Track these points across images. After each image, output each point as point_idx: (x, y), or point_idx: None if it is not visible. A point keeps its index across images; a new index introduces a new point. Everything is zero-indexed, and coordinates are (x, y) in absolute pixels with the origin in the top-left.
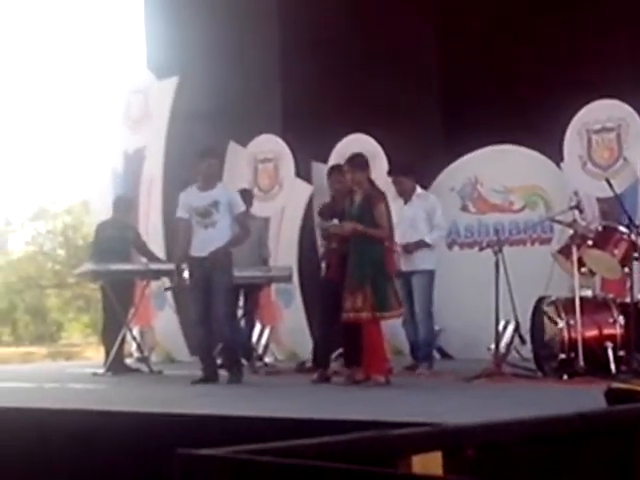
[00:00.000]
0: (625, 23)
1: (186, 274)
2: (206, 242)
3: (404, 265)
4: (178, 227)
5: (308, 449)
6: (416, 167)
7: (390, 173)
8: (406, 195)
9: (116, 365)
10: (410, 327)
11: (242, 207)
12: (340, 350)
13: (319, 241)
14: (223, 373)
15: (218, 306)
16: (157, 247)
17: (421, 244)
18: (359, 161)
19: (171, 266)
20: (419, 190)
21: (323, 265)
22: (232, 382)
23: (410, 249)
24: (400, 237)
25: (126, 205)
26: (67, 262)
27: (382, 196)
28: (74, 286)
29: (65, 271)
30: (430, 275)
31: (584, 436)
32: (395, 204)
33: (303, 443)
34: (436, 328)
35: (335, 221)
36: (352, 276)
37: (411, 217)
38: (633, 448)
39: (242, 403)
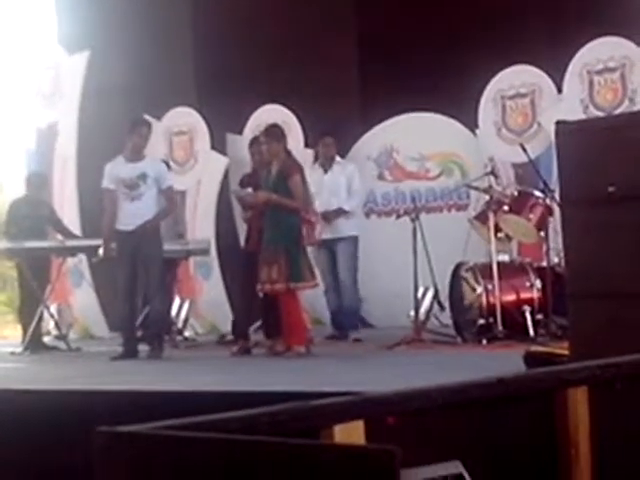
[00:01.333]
0: None
1: (113, 246)
2: (133, 215)
3: (327, 233)
4: (105, 198)
5: (229, 422)
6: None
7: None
8: (328, 162)
9: (34, 343)
10: (332, 296)
11: (169, 181)
12: (260, 322)
13: (237, 213)
14: (143, 348)
15: (152, 276)
16: (73, 223)
17: (339, 212)
18: (275, 132)
19: (87, 242)
20: (338, 158)
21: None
22: (152, 357)
23: (329, 217)
24: (321, 205)
25: (40, 182)
26: None
27: (298, 167)
28: None
29: None
30: (354, 242)
31: (504, 400)
32: (316, 173)
33: (224, 417)
34: None
35: (250, 190)
36: (267, 247)
37: (332, 185)
38: (553, 411)
39: (163, 378)
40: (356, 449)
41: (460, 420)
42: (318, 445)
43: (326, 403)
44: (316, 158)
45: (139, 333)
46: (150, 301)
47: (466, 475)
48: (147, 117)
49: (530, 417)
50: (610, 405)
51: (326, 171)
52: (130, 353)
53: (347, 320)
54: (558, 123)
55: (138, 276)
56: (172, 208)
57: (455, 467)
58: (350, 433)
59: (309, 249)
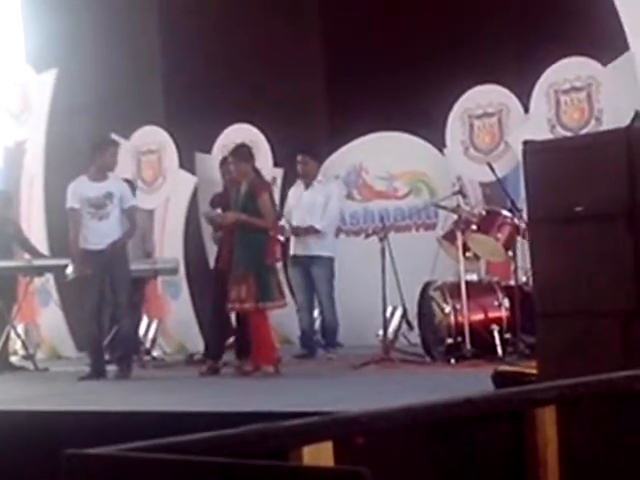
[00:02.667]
0: (504, 7)
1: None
2: (101, 234)
3: (299, 249)
4: (71, 217)
5: (198, 444)
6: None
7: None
8: (308, 179)
9: (1, 363)
10: (305, 314)
11: (132, 200)
12: (231, 341)
13: (205, 232)
14: (111, 368)
15: (121, 296)
16: (40, 242)
17: (310, 230)
18: (242, 152)
19: (55, 261)
20: (320, 177)
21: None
22: (120, 377)
23: (298, 233)
24: (297, 221)
25: (6, 200)
26: None
27: (266, 186)
28: None
29: None
30: (330, 263)
31: (472, 420)
32: (298, 188)
33: (192, 438)
34: None
35: (219, 211)
36: (237, 266)
37: (309, 202)
38: (521, 430)
39: (131, 398)
40: (326, 471)
41: (429, 440)
42: (288, 467)
43: (295, 424)
44: (285, 176)
45: (107, 353)
46: (118, 321)
47: None
48: (114, 136)
49: (499, 437)
50: (578, 424)
51: (307, 186)
52: (98, 373)
53: (325, 339)
54: (525, 143)
55: (106, 296)
56: (134, 228)
57: None
58: (319, 454)
59: (282, 266)
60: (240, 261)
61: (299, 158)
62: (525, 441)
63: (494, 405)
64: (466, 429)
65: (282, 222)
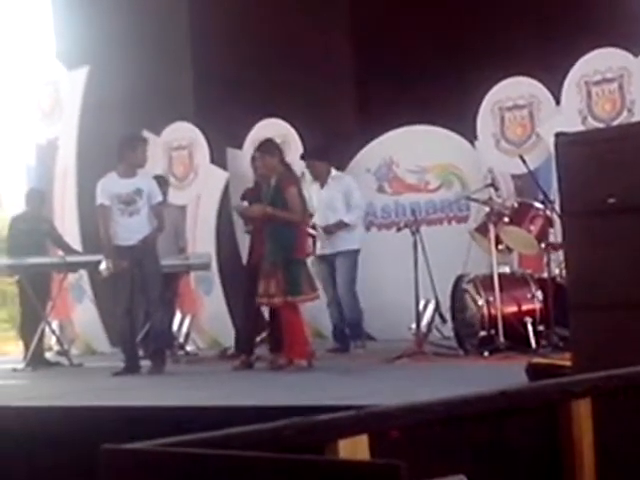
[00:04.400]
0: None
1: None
2: (132, 230)
3: (327, 247)
4: (102, 214)
5: (234, 439)
6: (330, 150)
7: (303, 157)
8: (321, 179)
9: (36, 360)
10: (334, 309)
11: (159, 197)
12: (263, 335)
13: (237, 227)
14: (145, 363)
15: (152, 291)
16: (73, 239)
17: (340, 225)
18: (267, 146)
19: (88, 257)
20: (334, 172)
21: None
22: (154, 372)
23: (330, 230)
24: (320, 220)
25: (39, 198)
26: None
27: (294, 179)
28: None
29: None
30: (354, 255)
31: (507, 413)
32: (313, 188)
33: (229, 433)
34: None
35: (245, 204)
36: (266, 261)
37: (328, 199)
38: (557, 424)
39: (165, 393)
40: (362, 464)
41: (464, 433)
42: (324, 461)
43: (330, 418)
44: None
45: (141, 348)
46: (151, 316)
47: None
48: (145, 132)
49: (534, 429)
50: (613, 416)
51: (322, 185)
52: (132, 368)
53: (350, 332)
54: (558, 135)
55: (137, 291)
56: (163, 224)
57: None
58: (355, 448)
59: (310, 262)
60: (269, 255)
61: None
62: (560, 433)
63: (529, 398)
64: (501, 422)
65: (314, 218)
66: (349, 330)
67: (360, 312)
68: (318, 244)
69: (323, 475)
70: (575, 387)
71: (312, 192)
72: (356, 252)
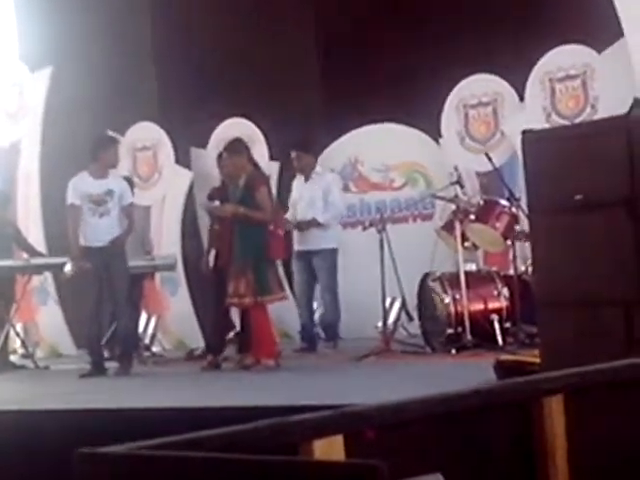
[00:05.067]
0: None
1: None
2: (102, 232)
3: (302, 244)
4: (72, 214)
5: (208, 440)
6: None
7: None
8: (306, 172)
9: (1, 362)
10: (305, 309)
11: (131, 198)
12: (231, 335)
13: (203, 228)
14: (111, 364)
15: (120, 292)
16: (37, 241)
17: (313, 223)
18: (235, 146)
19: (53, 260)
20: (318, 168)
21: (212, 252)
22: (120, 374)
23: (302, 227)
24: (298, 214)
25: (4, 200)
26: None
27: (264, 179)
28: None
29: None
30: (333, 255)
31: (481, 411)
32: (299, 181)
33: (203, 435)
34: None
35: (217, 203)
36: (236, 261)
37: (309, 195)
38: (530, 420)
39: (132, 395)
40: (341, 465)
41: (438, 432)
42: (303, 462)
43: (305, 418)
44: (281, 170)
45: (106, 350)
46: (118, 318)
47: None
48: (110, 133)
49: (507, 427)
50: (586, 413)
51: (306, 179)
52: (98, 370)
53: (325, 333)
54: (525, 132)
55: (105, 292)
56: (132, 225)
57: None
58: (330, 448)
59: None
60: (239, 256)
61: (293, 154)
62: (534, 430)
63: (502, 395)
64: (473, 420)
65: (287, 215)
66: (324, 331)
67: (339, 314)
68: (295, 239)
69: (301, 476)
70: (548, 384)
71: (294, 184)
72: (334, 251)
